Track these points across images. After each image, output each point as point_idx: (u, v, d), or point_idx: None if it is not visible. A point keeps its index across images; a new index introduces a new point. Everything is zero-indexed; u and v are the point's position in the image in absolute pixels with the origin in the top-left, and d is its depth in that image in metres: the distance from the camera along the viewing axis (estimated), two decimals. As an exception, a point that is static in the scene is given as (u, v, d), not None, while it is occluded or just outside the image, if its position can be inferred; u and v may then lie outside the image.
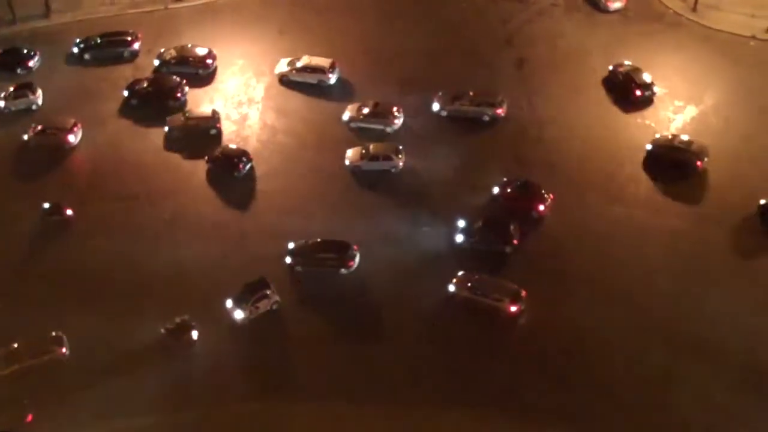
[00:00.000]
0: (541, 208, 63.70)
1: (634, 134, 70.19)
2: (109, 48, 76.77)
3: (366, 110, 69.98)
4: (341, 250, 60.36)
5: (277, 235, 62.88)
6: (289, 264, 60.66)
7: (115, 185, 67.32)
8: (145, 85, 72.76)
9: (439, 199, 65.38)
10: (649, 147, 67.57)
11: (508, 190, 64.57)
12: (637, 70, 72.85)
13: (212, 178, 67.64)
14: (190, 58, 75.10)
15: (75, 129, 69.90)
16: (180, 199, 66.16)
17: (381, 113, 69.85)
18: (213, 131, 69.76)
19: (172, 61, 75.03)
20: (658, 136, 68.53)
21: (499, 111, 70.34)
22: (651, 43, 77.85)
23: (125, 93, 72.84)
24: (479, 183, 66.07)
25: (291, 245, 61.01)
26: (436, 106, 70.88)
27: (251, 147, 69.41)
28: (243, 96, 74.06)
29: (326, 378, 56.22)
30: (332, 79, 73.85)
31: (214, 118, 70.13)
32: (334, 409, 54.66)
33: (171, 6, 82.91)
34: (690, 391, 54.63)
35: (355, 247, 60.66)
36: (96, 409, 54.74)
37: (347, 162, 66.72)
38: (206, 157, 67.84)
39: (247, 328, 58.17)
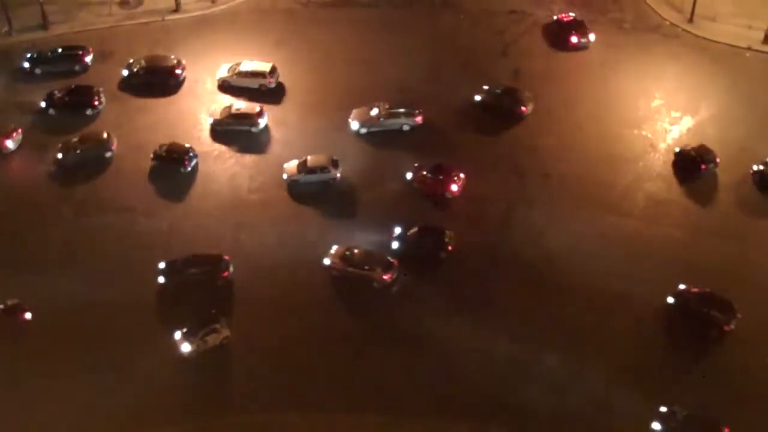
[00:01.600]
0: (454, 188, 64.95)
1: (630, 145, 70.28)
2: (61, 63, 76.38)
3: (231, 111, 70.98)
4: (214, 263, 60.03)
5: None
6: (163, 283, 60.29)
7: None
8: (60, 95, 72.62)
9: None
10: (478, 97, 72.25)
11: (423, 173, 65.71)
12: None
13: (158, 174, 67.98)
14: (159, 68, 75.00)
15: (14, 134, 69.88)
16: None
17: (243, 115, 70.49)
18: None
19: (141, 72, 74.99)
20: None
21: (418, 119, 70.23)
22: (647, 54, 78.02)
23: (42, 103, 72.71)
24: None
25: (162, 264, 60.38)
26: (354, 125, 70.32)
27: (248, 158, 69.31)
28: (240, 107, 73.96)
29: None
30: (273, 83, 74.34)
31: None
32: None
33: (168, 18, 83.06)
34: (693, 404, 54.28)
35: (227, 257, 60.29)
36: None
37: (285, 176, 66.54)
38: (152, 155, 68.23)
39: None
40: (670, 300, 58.69)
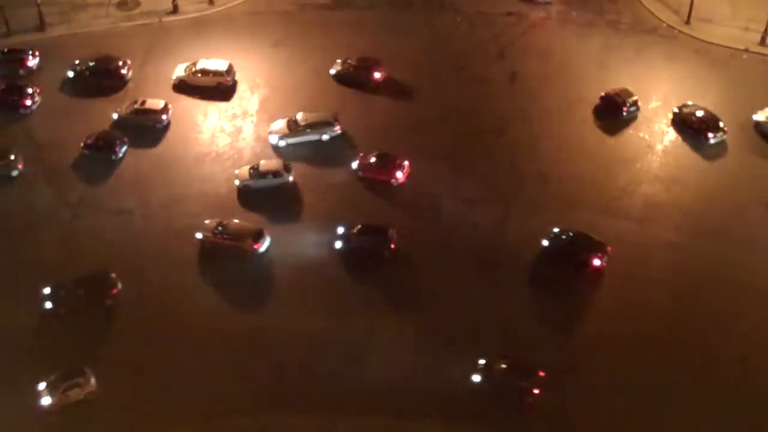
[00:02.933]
0: (399, 175, 65.72)
1: (628, 147, 70.35)
2: (3, 66, 76.11)
3: (135, 106, 71.16)
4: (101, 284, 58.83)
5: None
6: None
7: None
8: None
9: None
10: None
11: (368, 161, 66.56)
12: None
13: (88, 162, 68.16)
14: (104, 70, 74.97)
15: None
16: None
17: (145, 111, 70.61)
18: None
19: (87, 72, 74.89)
20: None
21: (337, 128, 69.85)
22: (644, 56, 78.15)
23: None
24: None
25: (46, 290, 58.19)
26: (273, 139, 69.96)
27: (245, 159, 69.32)
28: (237, 109, 74.06)
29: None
30: (231, 81, 74.65)
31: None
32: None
33: (165, 19, 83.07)
34: (686, 408, 54.36)
35: (113, 274, 59.07)
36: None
37: (237, 182, 66.38)
38: (82, 143, 68.42)
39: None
40: (545, 243, 60.90)
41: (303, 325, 57.95)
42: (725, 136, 69.65)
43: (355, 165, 67.68)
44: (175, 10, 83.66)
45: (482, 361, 54.79)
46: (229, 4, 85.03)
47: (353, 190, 66.73)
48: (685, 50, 79.25)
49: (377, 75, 75.01)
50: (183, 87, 74.84)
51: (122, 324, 58.29)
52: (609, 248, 60.29)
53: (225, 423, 53.56)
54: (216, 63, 75.31)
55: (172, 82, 75.24)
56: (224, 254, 61.58)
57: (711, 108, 72.07)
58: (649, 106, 73.63)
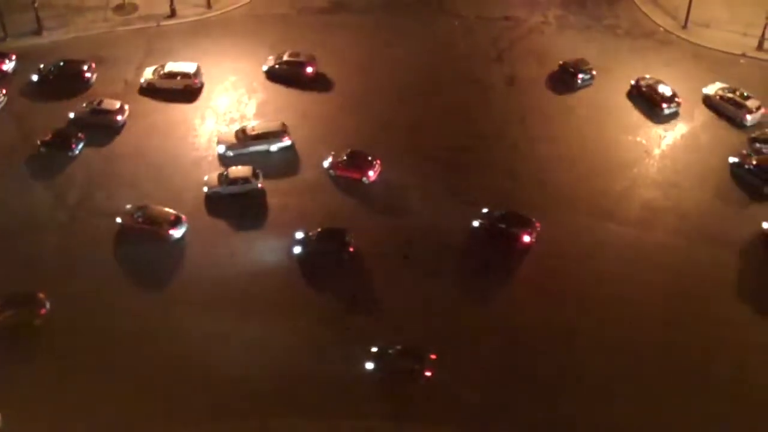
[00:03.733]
0: (371, 174, 66.36)
1: (626, 151, 70.38)
2: None
3: (92, 106, 71.64)
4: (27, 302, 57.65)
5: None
6: None
7: None
8: None
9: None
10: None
11: (339, 160, 67.08)
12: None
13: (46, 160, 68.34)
14: (67, 73, 75.04)
15: None
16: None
17: (101, 110, 71.13)
18: None
19: (50, 77, 75.00)
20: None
21: (285, 138, 69.28)
22: (642, 61, 78.22)
23: None
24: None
25: None
26: (221, 149, 69.16)
27: (241, 163, 69.16)
28: (235, 113, 73.99)
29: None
30: (199, 83, 74.79)
31: None
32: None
33: (163, 23, 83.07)
34: (685, 410, 54.31)
35: (42, 296, 57.86)
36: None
37: (205, 188, 66.15)
38: (38, 141, 68.68)
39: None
40: (475, 223, 62.86)
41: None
42: (678, 108, 72.76)
43: (326, 164, 67.94)
44: (172, 14, 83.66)
45: (374, 349, 55.38)
46: (227, 8, 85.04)
47: (324, 192, 66.67)
48: (682, 55, 79.37)
49: (309, 70, 75.23)
50: (151, 90, 74.87)
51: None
52: (538, 224, 62.16)
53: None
54: (183, 65, 75.36)
55: (140, 85, 75.37)
56: (141, 239, 62.16)
57: (707, 113, 72.38)
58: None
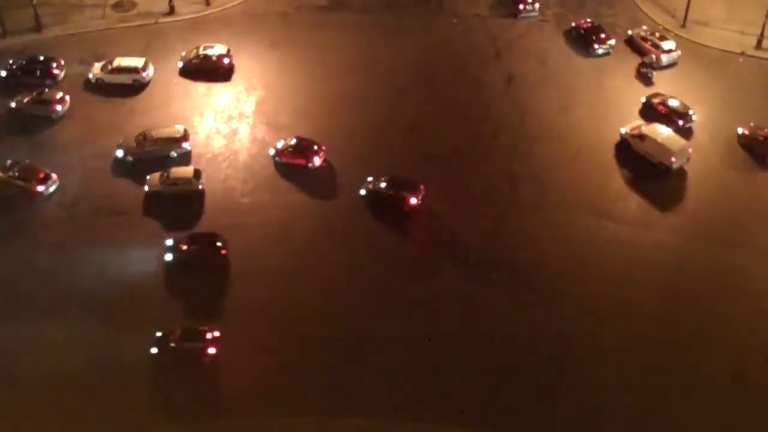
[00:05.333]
0: (317, 160, 67.49)
1: (624, 149, 70.41)
2: None
3: (29, 98, 71.85)
4: None
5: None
6: None
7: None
8: None
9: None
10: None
11: (285, 148, 68.09)
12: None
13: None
14: (37, 68, 75.27)
15: None
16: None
17: (41, 101, 71.59)
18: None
19: (19, 72, 75.20)
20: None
21: (185, 144, 69.01)
22: (640, 59, 78.21)
23: None
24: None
25: None
26: (120, 153, 68.35)
27: (241, 161, 69.25)
28: (233, 110, 73.99)
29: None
30: (147, 78, 74.92)
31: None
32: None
33: (162, 20, 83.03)
34: (684, 411, 54.32)
35: None
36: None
37: (146, 188, 65.98)
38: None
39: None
40: (362, 192, 65.14)
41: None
42: (610, 49, 78.02)
43: (272, 151, 68.73)
44: (171, 11, 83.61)
45: (159, 334, 55.92)
46: (226, 6, 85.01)
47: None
48: (681, 53, 79.19)
49: (226, 61, 76.05)
50: (101, 85, 74.98)
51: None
52: (422, 186, 64.58)
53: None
54: (131, 60, 75.55)
55: (90, 80, 75.45)
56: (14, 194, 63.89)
57: (706, 111, 72.32)
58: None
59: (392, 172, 66.82)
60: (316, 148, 68.25)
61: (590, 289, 60.27)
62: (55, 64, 75.79)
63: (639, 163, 68.56)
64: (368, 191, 65.34)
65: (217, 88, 75.67)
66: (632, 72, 76.74)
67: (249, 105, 74.45)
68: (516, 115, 73.40)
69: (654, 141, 67.34)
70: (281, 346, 57.01)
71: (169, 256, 61.14)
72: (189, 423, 53.38)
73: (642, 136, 68.15)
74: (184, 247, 60.96)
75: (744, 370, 55.88)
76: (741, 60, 78.82)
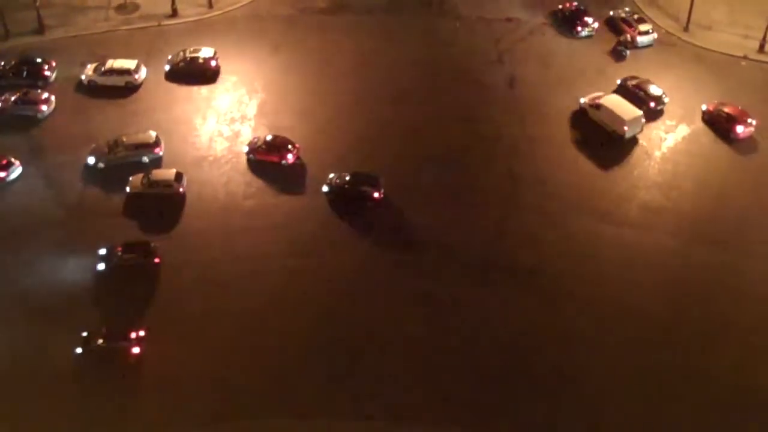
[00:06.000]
0: (290, 157, 68.09)
1: (626, 152, 70.34)
2: None
3: (14, 97, 72.40)
4: None
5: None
6: None
7: None
8: None
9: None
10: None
11: (259, 145, 68.86)
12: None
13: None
14: (24, 70, 75.45)
15: None
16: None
17: (29, 100, 72.04)
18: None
19: (11, 73, 75.38)
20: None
21: (157, 150, 68.86)
22: (643, 62, 78.17)
23: None
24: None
25: None
26: (91, 160, 67.93)
27: (241, 163, 69.26)
28: (236, 113, 74.04)
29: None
30: (140, 80, 75.11)
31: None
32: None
33: (164, 23, 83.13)
34: (684, 412, 54.23)
35: None
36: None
37: (128, 189, 65.97)
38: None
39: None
40: (325, 188, 65.96)
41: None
42: (593, 32, 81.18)
43: (245, 149, 69.19)
44: (174, 13, 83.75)
45: (84, 333, 56.24)
46: (229, 8, 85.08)
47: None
48: (683, 57, 79.32)
49: (213, 64, 76.11)
50: (93, 87, 75.15)
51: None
52: (382, 179, 65.62)
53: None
54: (123, 62, 75.69)
55: (83, 82, 75.58)
56: None
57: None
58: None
59: (392, 172, 67.09)
60: (290, 146, 68.58)
61: (590, 290, 60.27)
62: (46, 64, 75.84)
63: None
64: (330, 188, 65.89)
65: (220, 91, 75.74)
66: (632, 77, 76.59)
67: (251, 107, 74.49)
68: (517, 117, 73.36)
69: (609, 110, 70.42)
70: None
71: (101, 266, 60.65)
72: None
73: (598, 106, 71.30)
74: (119, 256, 60.61)
75: (744, 373, 55.79)
76: (743, 64, 78.75)
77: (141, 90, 75.66)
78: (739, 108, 71.59)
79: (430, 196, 66.65)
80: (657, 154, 70.32)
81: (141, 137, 69.42)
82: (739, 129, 70.24)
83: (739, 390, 54.94)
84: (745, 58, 79.09)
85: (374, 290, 60.57)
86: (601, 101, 71.16)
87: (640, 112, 70.20)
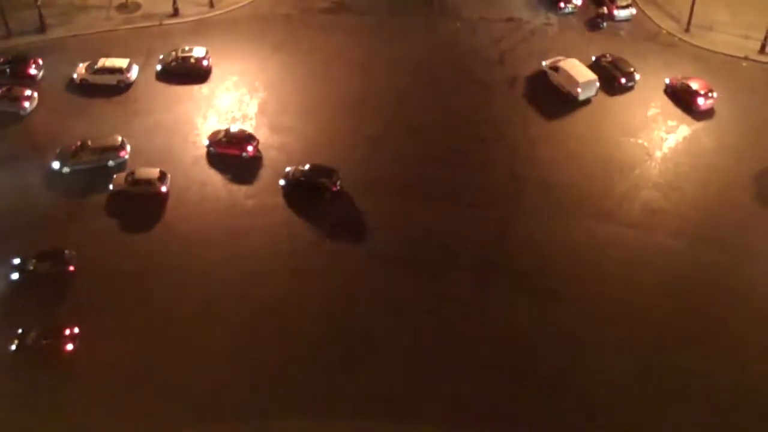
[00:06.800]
0: (250, 149, 68.69)
1: (627, 153, 70.37)
2: None
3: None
4: None
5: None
6: None
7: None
8: None
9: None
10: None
11: (219, 138, 69.11)
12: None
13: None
14: (6, 68, 75.73)
15: None
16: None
17: (12, 96, 72.29)
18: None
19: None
20: None
21: (123, 153, 68.45)
22: (644, 63, 78.13)
23: None
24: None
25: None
26: (56, 165, 67.20)
27: (241, 162, 69.37)
28: (237, 112, 74.07)
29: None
30: (132, 79, 75.27)
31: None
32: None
33: (165, 22, 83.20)
34: (684, 413, 54.21)
35: None
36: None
37: (111, 186, 65.87)
38: None
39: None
40: (282, 182, 66.32)
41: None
42: (575, 9, 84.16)
43: (206, 142, 69.53)
44: (175, 13, 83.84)
45: (19, 331, 55.93)
46: (230, 8, 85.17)
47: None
48: (684, 58, 79.34)
49: (205, 63, 76.49)
50: (86, 86, 75.16)
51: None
52: (338, 171, 66.22)
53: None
54: (115, 60, 75.79)
55: (75, 81, 75.60)
56: None
57: (709, 116, 72.32)
58: (648, 113, 73.76)
59: (392, 172, 67.10)
60: (248, 137, 69.22)
61: (591, 291, 60.24)
62: (33, 63, 75.89)
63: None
64: (287, 180, 66.23)
65: (221, 90, 75.77)
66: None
67: (252, 107, 74.52)
68: (519, 117, 73.39)
69: (565, 72, 73.98)
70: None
71: (15, 275, 59.90)
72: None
73: (557, 68, 74.88)
74: (33, 265, 59.94)
75: (746, 375, 55.74)
76: (744, 64, 78.77)
77: (130, 90, 75.58)
78: (703, 81, 73.74)
79: (431, 196, 66.66)
80: (658, 154, 70.32)
81: (107, 140, 68.87)
82: (701, 101, 72.29)
83: (739, 390, 54.87)
84: (746, 58, 79.12)
85: (374, 290, 60.52)
86: (560, 64, 74.72)
87: (595, 76, 73.56)
